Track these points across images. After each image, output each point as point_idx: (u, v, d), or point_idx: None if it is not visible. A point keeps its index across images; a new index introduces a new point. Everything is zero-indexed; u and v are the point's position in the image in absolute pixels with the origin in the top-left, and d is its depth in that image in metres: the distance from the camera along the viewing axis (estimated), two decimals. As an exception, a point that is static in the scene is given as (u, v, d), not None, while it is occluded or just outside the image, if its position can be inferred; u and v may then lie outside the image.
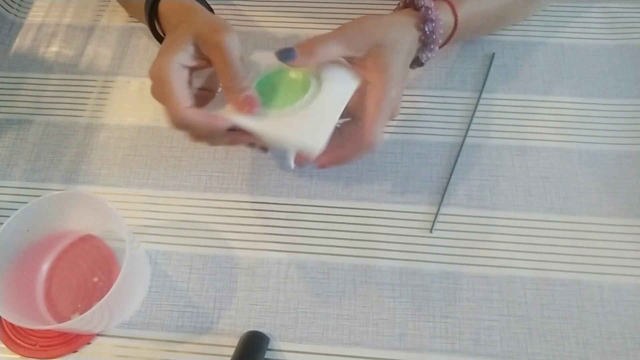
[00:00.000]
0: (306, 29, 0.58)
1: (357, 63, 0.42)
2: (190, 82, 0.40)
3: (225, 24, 0.40)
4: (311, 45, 0.39)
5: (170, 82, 0.38)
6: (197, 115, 0.38)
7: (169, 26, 0.44)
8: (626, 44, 0.56)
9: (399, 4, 0.47)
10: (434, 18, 0.43)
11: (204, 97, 0.42)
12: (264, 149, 0.43)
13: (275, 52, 0.39)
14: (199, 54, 0.40)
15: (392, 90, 0.40)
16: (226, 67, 0.38)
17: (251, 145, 0.44)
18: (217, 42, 0.38)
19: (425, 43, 0.44)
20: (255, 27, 0.58)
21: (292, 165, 0.41)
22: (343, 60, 0.42)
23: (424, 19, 0.43)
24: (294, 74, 0.42)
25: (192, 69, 0.40)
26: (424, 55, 0.45)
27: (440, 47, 0.47)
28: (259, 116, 0.39)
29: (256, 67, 0.43)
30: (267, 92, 0.41)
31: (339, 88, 0.40)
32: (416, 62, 0.46)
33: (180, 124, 0.38)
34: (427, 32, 0.43)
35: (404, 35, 0.43)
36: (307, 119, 0.39)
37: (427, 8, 0.43)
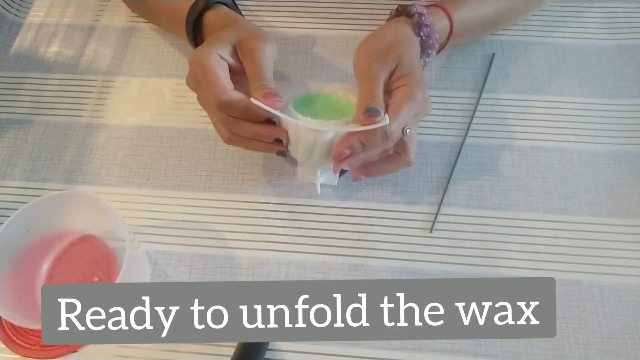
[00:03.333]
0: (314, 29, 0.58)
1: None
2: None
3: (266, 35, 0.43)
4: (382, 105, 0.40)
5: (213, 68, 0.40)
6: (241, 97, 0.40)
7: (214, 32, 0.46)
8: (626, 44, 0.56)
9: (391, 12, 0.48)
10: (429, 23, 0.44)
11: None
12: (283, 153, 0.44)
13: (365, 112, 0.39)
14: (236, 56, 0.42)
15: (419, 92, 0.41)
16: (255, 70, 0.41)
17: (275, 145, 0.43)
18: (251, 47, 0.42)
19: (422, 48, 0.45)
20: (263, 27, 0.58)
21: (319, 189, 0.44)
22: None
23: (418, 25, 0.44)
24: (338, 98, 0.44)
25: (229, 67, 0.42)
26: (421, 60, 0.46)
27: (438, 53, 0.48)
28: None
29: (300, 85, 0.45)
30: (308, 108, 0.42)
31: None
32: None
33: (224, 106, 0.40)
34: (424, 37, 0.44)
35: (410, 39, 0.44)
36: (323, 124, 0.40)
37: (420, 14, 0.44)
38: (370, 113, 0.39)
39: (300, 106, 0.42)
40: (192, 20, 0.47)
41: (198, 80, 0.41)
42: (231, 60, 0.42)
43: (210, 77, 0.40)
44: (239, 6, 0.52)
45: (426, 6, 0.46)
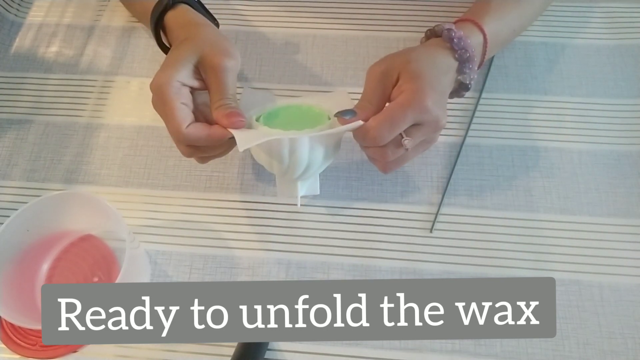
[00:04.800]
0: (314, 29, 0.58)
1: (394, 89, 0.41)
2: (192, 100, 0.41)
3: (228, 49, 0.41)
4: (367, 112, 0.39)
5: (170, 101, 0.38)
6: (198, 131, 0.39)
7: (175, 39, 0.45)
8: (626, 44, 0.56)
9: (421, 39, 0.47)
10: (460, 36, 0.42)
11: (205, 113, 0.42)
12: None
13: (336, 114, 0.39)
14: (198, 75, 0.41)
15: (418, 98, 0.38)
16: (218, 89, 0.39)
17: None
18: (214, 66, 0.39)
19: (461, 61, 0.42)
20: (254, 27, 0.58)
21: (299, 202, 0.43)
22: None
23: (449, 39, 0.42)
24: (309, 108, 0.43)
25: (192, 89, 0.41)
26: (466, 76, 0.43)
27: (479, 67, 0.45)
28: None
29: (270, 99, 0.43)
30: (276, 120, 0.41)
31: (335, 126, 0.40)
32: (462, 87, 0.44)
33: (182, 142, 0.39)
34: (459, 50, 0.42)
35: (431, 55, 0.42)
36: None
37: (449, 30, 0.42)
38: (338, 115, 0.39)
39: (269, 120, 0.41)
40: (154, 20, 0.45)
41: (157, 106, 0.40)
42: (194, 83, 0.41)
43: (168, 111, 0.39)
44: (239, 7, 0.52)
45: (454, 22, 0.45)
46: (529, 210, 0.47)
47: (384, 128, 0.38)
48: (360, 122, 0.38)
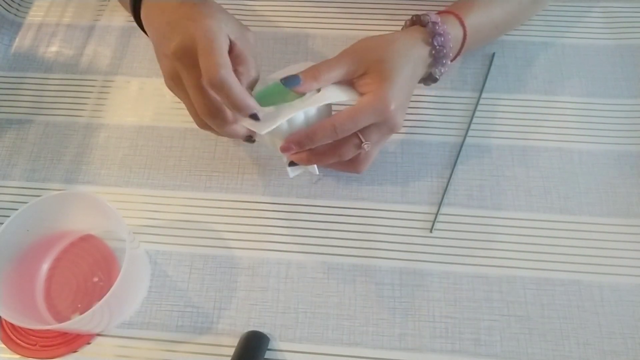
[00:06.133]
0: (314, 29, 0.58)
1: (356, 82, 0.42)
2: None
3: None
4: (314, 72, 0.40)
5: (220, 40, 0.36)
6: (238, 83, 0.36)
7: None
8: (626, 44, 0.56)
9: (405, 22, 0.47)
10: (442, 32, 0.43)
11: None
12: (251, 139, 0.43)
13: (280, 79, 0.39)
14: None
15: (384, 102, 0.39)
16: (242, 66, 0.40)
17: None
18: (250, 42, 0.41)
19: (436, 57, 0.44)
20: (253, 27, 0.58)
21: (290, 174, 0.44)
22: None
23: (432, 34, 0.43)
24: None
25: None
26: (437, 70, 0.45)
27: (452, 61, 0.46)
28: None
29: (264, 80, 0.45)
30: (272, 95, 0.42)
31: (329, 95, 0.41)
32: (430, 79, 0.46)
33: (219, 82, 0.35)
34: (437, 47, 0.43)
35: (409, 50, 0.42)
36: (276, 111, 0.40)
37: (434, 23, 0.43)
38: (282, 82, 0.39)
39: (260, 99, 0.41)
40: None
41: (189, 54, 0.37)
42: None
43: (216, 47, 0.36)
44: (239, 6, 0.52)
45: (438, 13, 0.45)
46: (529, 210, 0.47)
47: (347, 122, 0.39)
48: (347, 98, 0.40)
